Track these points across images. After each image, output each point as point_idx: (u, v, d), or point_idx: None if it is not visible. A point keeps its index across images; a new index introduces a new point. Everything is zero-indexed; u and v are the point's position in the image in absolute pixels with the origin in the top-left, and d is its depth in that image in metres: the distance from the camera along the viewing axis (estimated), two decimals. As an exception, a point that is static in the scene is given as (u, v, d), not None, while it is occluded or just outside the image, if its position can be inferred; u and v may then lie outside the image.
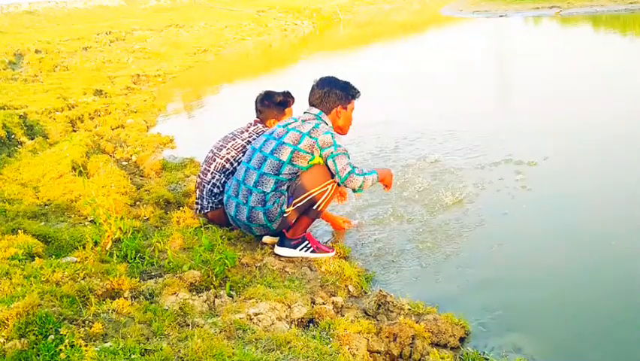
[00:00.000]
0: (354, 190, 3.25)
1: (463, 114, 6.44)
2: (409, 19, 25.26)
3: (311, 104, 3.32)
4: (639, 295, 2.76)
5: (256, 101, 3.81)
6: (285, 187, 3.15)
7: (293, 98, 3.84)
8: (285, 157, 3.11)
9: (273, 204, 3.13)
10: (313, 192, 3.15)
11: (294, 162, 3.11)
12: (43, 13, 21.96)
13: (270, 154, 3.14)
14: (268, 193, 3.13)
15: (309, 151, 3.12)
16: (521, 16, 18.10)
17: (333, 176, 3.20)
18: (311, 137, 3.12)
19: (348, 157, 3.19)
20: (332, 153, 3.14)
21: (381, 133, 5.89)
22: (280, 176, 3.12)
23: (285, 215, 3.16)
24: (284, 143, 3.14)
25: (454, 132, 5.68)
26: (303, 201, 3.15)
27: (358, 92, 3.37)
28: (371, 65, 11.86)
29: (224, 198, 3.38)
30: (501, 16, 18.49)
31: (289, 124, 3.24)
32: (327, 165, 3.17)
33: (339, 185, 3.23)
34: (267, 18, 23.54)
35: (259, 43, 18.52)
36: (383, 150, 5.38)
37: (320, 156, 3.15)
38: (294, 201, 3.14)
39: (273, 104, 3.74)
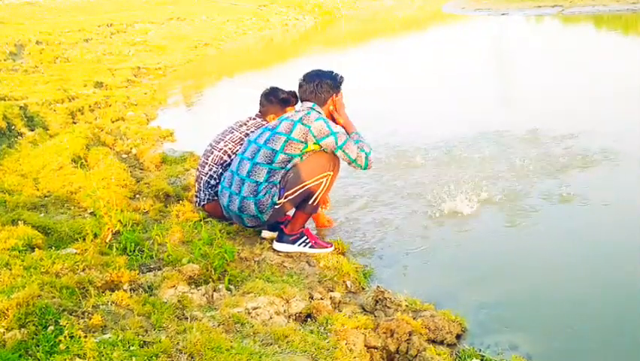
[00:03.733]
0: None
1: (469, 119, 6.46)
2: (411, 15, 25.20)
3: (303, 100, 3.32)
4: (636, 294, 2.78)
5: (261, 95, 3.83)
6: (278, 178, 3.14)
7: (297, 99, 3.84)
8: (278, 146, 3.11)
9: (265, 195, 3.13)
10: (308, 184, 3.14)
11: (287, 151, 3.12)
12: (44, 4, 21.89)
13: (264, 144, 3.16)
14: (261, 183, 3.13)
15: (303, 140, 3.11)
16: (523, 14, 18.07)
17: (330, 167, 3.19)
18: (303, 124, 3.12)
19: (349, 139, 3.19)
20: (337, 144, 3.14)
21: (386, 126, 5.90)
22: (273, 165, 3.12)
23: (276, 206, 3.16)
24: (277, 132, 3.15)
25: (461, 132, 5.69)
26: (297, 193, 3.15)
27: (342, 77, 3.37)
28: (373, 62, 11.84)
29: (219, 189, 3.39)
30: (503, 14, 18.46)
31: (282, 117, 3.29)
32: (336, 155, 3.19)
33: (364, 169, 3.27)
34: (268, 12, 23.48)
35: (260, 38, 18.49)
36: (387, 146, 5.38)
37: (316, 144, 3.14)
38: (285, 193, 3.14)
39: (276, 99, 3.74)
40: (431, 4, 27.26)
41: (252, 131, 3.66)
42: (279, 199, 3.14)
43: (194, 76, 11.57)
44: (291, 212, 3.31)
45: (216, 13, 21.54)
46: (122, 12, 20.39)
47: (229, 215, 3.37)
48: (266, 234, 3.45)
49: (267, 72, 11.75)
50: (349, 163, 3.24)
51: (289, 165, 3.15)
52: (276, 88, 3.81)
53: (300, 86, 3.33)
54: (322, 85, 3.27)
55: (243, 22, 20.58)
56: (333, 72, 3.36)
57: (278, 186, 3.15)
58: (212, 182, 3.64)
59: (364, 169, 3.28)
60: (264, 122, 3.72)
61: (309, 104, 3.28)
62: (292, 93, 3.77)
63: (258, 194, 3.14)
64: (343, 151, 3.17)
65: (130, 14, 19.81)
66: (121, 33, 16.27)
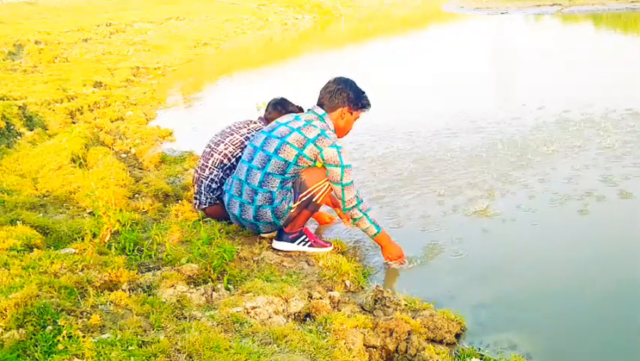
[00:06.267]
0: (351, 217, 3.24)
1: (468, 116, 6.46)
2: (410, 14, 25.20)
3: (320, 98, 3.28)
4: (635, 294, 2.78)
5: (269, 103, 3.83)
6: (289, 184, 3.16)
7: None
8: (291, 158, 3.10)
9: (281, 201, 3.14)
10: (313, 189, 3.17)
11: (299, 164, 3.13)
12: (43, 4, 21.88)
13: (275, 154, 3.12)
14: (275, 192, 3.14)
15: (313, 158, 3.11)
16: (522, 13, 18.07)
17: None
18: (316, 145, 3.09)
19: (353, 182, 3.16)
20: (341, 180, 3.11)
21: (393, 127, 5.90)
22: (285, 175, 3.13)
23: (291, 210, 3.18)
24: (288, 143, 3.11)
25: (458, 131, 5.69)
26: (306, 197, 3.17)
27: (369, 104, 3.32)
28: (374, 61, 11.84)
29: (226, 197, 3.37)
30: (502, 13, 18.46)
31: (290, 122, 3.21)
32: (332, 185, 3.16)
33: (343, 210, 3.23)
34: (267, 12, 23.46)
35: (260, 37, 18.47)
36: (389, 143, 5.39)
37: (323, 166, 3.14)
38: (300, 196, 3.16)
39: (284, 110, 3.73)
40: (430, 2, 27.26)
41: (252, 135, 3.65)
42: (294, 203, 3.15)
43: (194, 75, 11.56)
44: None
45: (215, 13, 21.53)
46: (121, 12, 20.38)
47: (241, 224, 3.37)
48: (265, 233, 3.45)
49: (267, 72, 11.75)
50: (337, 198, 3.19)
51: (299, 173, 3.17)
52: (286, 100, 3.82)
53: (327, 82, 3.29)
54: (343, 92, 3.23)
55: (242, 21, 20.56)
56: (364, 93, 3.31)
57: (292, 191, 3.15)
58: (214, 185, 3.64)
59: (344, 210, 3.22)
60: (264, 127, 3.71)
61: (320, 111, 3.23)
62: (300, 108, 3.76)
63: (274, 201, 3.14)
64: (342, 189, 3.13)
65: (129, 14, 19.80)
66: (120, 33, 16.26)
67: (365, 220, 3.18)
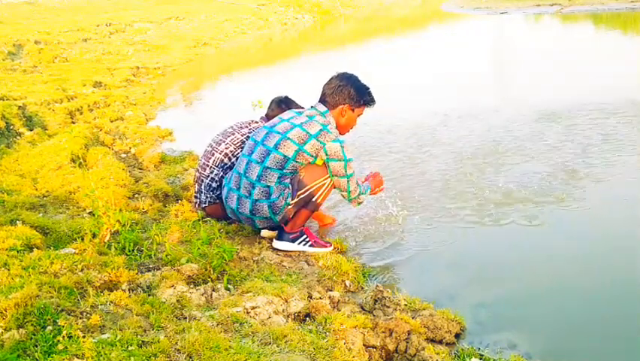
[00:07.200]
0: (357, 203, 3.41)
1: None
2: (410, 14, 25.20)
3: (322, 94, 3.26)
4: (635, 293, 2.78)
5: (273, 100, 3.83)
6: (288, 180, 3.16)
7: None
8: (290, 154, 3.10)
9: (279, 196, 3.14)
10: (312, 187, 3.17)
11: (298, 160, 3.12)
12: (43, 4, 21.89)
13: (274, 148, 3.12)
14: (272, 186, 3.14)
15: (314, 154, 3.11)
16: (522, 13, 18.07)
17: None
18: (319, 140, 3.09)
19: (354, 174, 3.24)
20: (345, 173, 3.18)
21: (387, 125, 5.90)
22: (284, 171, 3.13)
23: (289, 207, 3.18)
24: (288, 138, 3.11)
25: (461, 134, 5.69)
26: (304, 195, 3.17)
27: (373, 100, 3.29)
28: (373, 61, 11.84)
29: (224, 191, 3.37)
30: (502, 13, 18.46)
31: (292, 118, 3.21)
32: (335, 179, 3.20)
33: (349, 200, 3.35)
34: (267, 12, 23.45)
35: (259, 37, 18.47)
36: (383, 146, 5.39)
37: (325, 162, 3.15)
38: (297, 194, 3.16)
39: (287, 108, 3.72)
40: (430, 2, 27.25)
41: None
42: (292, 200, 3.15)
43: (194, 75, 11.56)
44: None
45: (215, 13, 21.53)
46: (121, 12, 20.38)
47: (238, 217, 3.36)
48: (265, 233, 3.45)
49: (267, 72, 11.74)
50: (342, 191, 3.28)
51: (298, 170, 3.17)
52: (290, 98, 3.82)
53: (330, 78, 3.27)
54: (344, 89, 3.20)
55: (241, 21, 20.56)
56: (367, 89, 3.27)
57: (290, 188, 3.15)
58: (214, 185, 3.64)
59: (349, 200, 3.34)
60: None
61: (322, 108, 3.23)
62: (303, 108, 3.75)
63: (271, 196, 3.14)
64: (348, 180, 3.20)
65: (129, 14, 19.80)
66: (120, 33, 16.27)
67: (366, 195, 3.41)
